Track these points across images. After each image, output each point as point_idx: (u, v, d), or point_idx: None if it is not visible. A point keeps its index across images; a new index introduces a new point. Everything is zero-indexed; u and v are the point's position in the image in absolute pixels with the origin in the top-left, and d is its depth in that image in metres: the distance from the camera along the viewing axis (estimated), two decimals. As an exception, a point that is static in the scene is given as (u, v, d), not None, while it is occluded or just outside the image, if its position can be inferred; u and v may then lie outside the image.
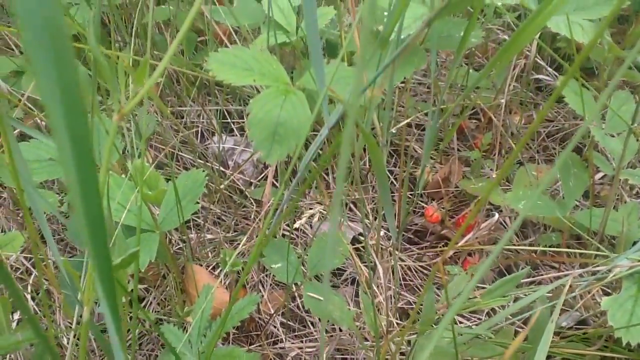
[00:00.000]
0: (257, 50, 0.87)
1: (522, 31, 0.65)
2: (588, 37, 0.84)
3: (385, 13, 0.93)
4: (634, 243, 0.95)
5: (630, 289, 0.68)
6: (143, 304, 1.09)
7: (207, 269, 1.10)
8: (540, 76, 1.23)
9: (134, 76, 0.39)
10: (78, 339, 0.85)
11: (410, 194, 1.14)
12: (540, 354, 0.65)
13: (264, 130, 0.79)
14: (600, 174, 1.08)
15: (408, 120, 0.97)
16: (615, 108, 0.87)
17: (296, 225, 0.85)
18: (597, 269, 0.70)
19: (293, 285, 1.00)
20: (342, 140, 0.50)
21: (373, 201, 1.15)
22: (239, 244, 1.18)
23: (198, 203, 0.85)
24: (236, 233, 1.19)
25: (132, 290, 0.70)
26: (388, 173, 1.21)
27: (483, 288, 1.00)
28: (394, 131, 0.97)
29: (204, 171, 0.88)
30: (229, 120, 1.33)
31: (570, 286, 0.71)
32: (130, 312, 1.05)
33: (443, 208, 1.02)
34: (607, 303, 0.67)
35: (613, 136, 0.92)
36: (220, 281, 1.05)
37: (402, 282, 1.03)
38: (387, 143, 1.02)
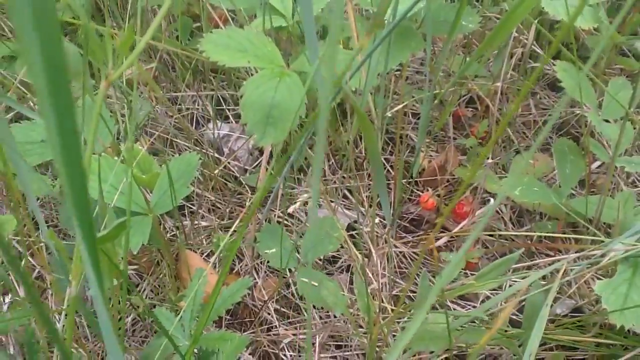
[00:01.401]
0: (252, 32, 0.86)
1: (517, 8, 0.64)
2: (585, 21, 0.83)
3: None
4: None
5: (624, 273, 0.67)
6: (137, 290, 1.09)
7: (201, 256, 1.09)
8: (538, 64, 1.22)
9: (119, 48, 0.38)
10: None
11: (406, 182, 1.14)
12: (535, 339, 0.64)
13: (258, 113, 0.78)
14: (596, 164, 1.08)
15: (403, 105, 0.97)
16: (613, 94, 0.87)
17: (290, 210, 0.84)
18: (592, 252, 0.69)
19: (287, 272, 0.99)
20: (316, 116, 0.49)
21: (368, 188, 1.15)
22: (234, 231, 1.17)
23: (191, 187, 0.84)
24: (231, 220, 1.18)
25: (124, 272, 0.69)
26: (384, 161, 1.20)
27: (478, 275, 1.00)
28: (389, 115, 0.96)
29: (197, 154, 0.87)
30: (224, 107, 1.32)
31: (565, 271, 0.71)
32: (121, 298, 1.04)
33: (439, 195, 1.01)
34: (601, 287, 0.66)
35: (608, 122, 0.91)
36: (214, 266, 1.05)
37: (397, 270, 1.03)
38: (383, 128, 1.01)
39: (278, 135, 0.78)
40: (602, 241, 0.75)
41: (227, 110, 1.32)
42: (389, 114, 0.94)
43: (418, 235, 1.13)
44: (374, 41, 0.77)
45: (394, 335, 0.83)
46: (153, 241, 0.98)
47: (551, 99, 1.26)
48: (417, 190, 1.18)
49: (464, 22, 1.03)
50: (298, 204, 0.84)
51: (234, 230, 1.01)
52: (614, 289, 0.65)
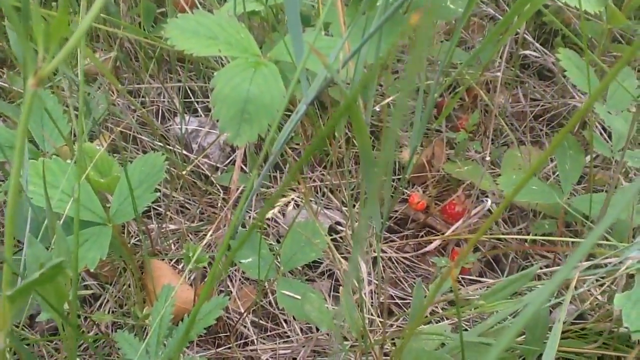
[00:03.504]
0: (223, 16, 0.76)
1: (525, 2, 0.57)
2: (590, 4, 0.76)
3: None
4: (633, 230, 0.88)
5: (643, 284, 0.61)
6: (99, 302, 0.99)
7: (170, 264, 1.00)
8: (527, 52, 1.15)
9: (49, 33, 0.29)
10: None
11: (392, 180, 1.06)
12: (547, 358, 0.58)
13: (231, 108, 0.68)
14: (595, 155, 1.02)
15: (389, 100, 0.88)
16: (617, 84, 0.80)
17: (268, 215, 0.76)
18: (607, 261, 0.62)
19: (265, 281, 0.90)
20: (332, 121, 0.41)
21: (351, 186, 1.06)
22: (205, 234, 1.08)
23: (157, 191, 0.74)
24: (202, 222, 1.09)
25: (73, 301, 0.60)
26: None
27: (472, 281, 0.93)
28: (377, 109, 0.88)
29: (163, 154, 0.78)
30: (193, 99, 1.22)
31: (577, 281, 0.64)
32: (83, 315, 0.94)
33: (430, 196, 0.94)
34: (621, 301, 0.59)
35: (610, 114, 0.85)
36: (185, 277, 0.95)
37: (384, 276, 0.95)
38: (368, 123, 0.93)
39: (254, 133, 0.69)
40: (608, 245, 0.69)
41: (195, 103, 1.22)
42: (377, 108, 0.86)
43: (404, 235, 1.05)
44: (363, 31, 0.69)
45: (385, 354, 0.75)
46: (114, 250, 0.88)
47: (541, 88, 1.20)
48: (402, 187, 1.10)
49: (452, 6, 0.96)
50: (277, 208, 0.75)
51: (207, 236, 0.92)
52: (634, 302, 0.58)
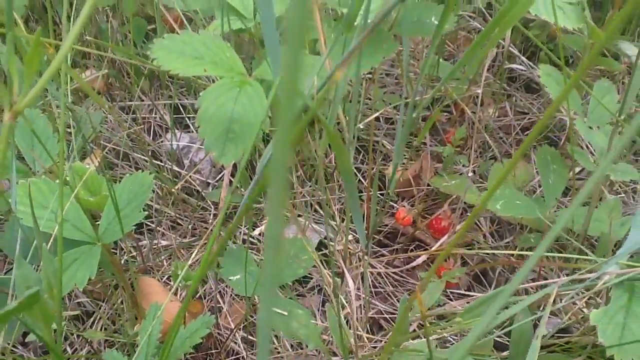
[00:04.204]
0: (209, 36, 0.77)
1: (505, 14, 0.58)
2: (569, 21, 0.77)
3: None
4: (616, 243, 0.89)
5: (620, 299, 0.62)
6: (92, 319, 0.99)
7: (161, 280, 1.01)
8: (514, 65, 1.17)
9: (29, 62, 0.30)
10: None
11: (380, 194, 1.07)
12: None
13: (217, 128, 0.70)
14: (577, 169, 1.03)
15: (376, 115, 0.90)
16: (598, 98, 0.81)
17: (256, 232, 0.77)
18: (585, 276, 0.63)
19: (255, 297, 0.91)
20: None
21: (340, 201, 1.07)
22: (196, 249, 1.09)
23: (147, 209, 0.75)
24: (194, 238, 1.10)
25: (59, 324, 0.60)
26: (355, 170, 1.13)
27: (460, 295, 0.94)
28: (361, 127, 0.89)
29: (151, 173, 0.79)
30: (184, 115, 1.23)
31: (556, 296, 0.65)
32: (75, 332, 0.95)
33: (416, 211, 0.95)
34: (597, 317, 0.60)
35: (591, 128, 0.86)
36: (175, 292, 0.96)
37: (372, 290, 0.96)
38: (354, 139, 0.94)
39: (239, 152, 0.70)
40: (591, 260, 0.70)
41: (187, 119, 1.23)
42: (360, 125, 0.87)
43: (394, 249, 1.06)
44: (343, 48, 0.70)
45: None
46: (105, 268, 0.89)
47: (527, 101, 1.21)
48: (391, 200, 1.11)
49: (436, 22, 0.97)
50: (264, 226, 0.76)
51: (196, 259, 0.92)
52: (610, 318, 0.59)
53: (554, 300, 0.66)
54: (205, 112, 0.70)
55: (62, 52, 0.31)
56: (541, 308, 0.87)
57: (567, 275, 0.88)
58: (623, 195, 1.05)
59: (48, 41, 0.65)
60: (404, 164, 1.14)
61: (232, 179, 1.09)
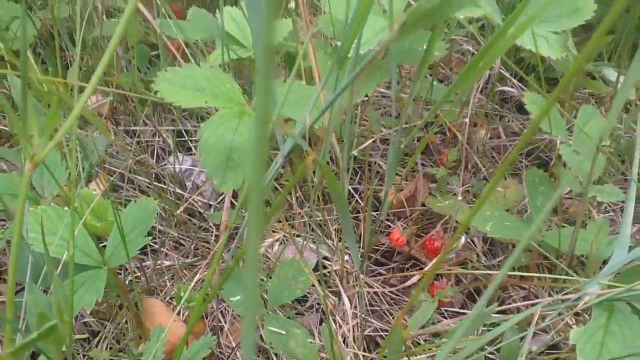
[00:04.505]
0: (209, 69, 0.81)
1: (489, 48, 0.62)
2: (553, 50, 0.81)
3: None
4: (604, 262, 0.93)
5: (599, 318, 0.65)
6: (97, 338, 1.03)
7: (165, 300, 1.04)
8: (505, 88, 1.20)
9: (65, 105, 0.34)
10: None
11: (377, 213, 1.10)
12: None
13: (217, 157, 0.73)
14: (567, 189, 1.06)
15: (370, 141, 0.93)
16: (582, 123, 0.85)
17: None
18: (567, 297, 0.67)
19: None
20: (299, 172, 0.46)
21: (337, 221, 1.11)
22: (199, 269, 1.12)
23: (149, 235, 0.79)
24: (196, 258, 1.13)
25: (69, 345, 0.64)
26: (352, 191, 1.16)
27: (454, 313, 0.97)
28: (355, 154, 0.92)
29: (154, 200, 0.82)
30: (186, 138, 1.27)
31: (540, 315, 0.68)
32: (82, 352, 0.98)
33: (410, 232, 0.98)
34: (576, 335, 0.63)
35: (577, 152, 0.89)
36: (179, 312, 0.99)
37: (369, 308, 0.99)
38: (350, 161, 0.97)
39: (238, 180, 0.74)
40: (576, 280, 0.73)
41: (189, 142, 1.27)
42: (354, 153, 0.91)
43: (390, 268, 1.09)
44: (336, 80, 0.74)
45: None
46: (111, 289, 0.92)
47: (519, 121, 1.25)
48: (387, 219, 1.14)
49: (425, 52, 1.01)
50: (263, 248, 0.79)
51: (199, 279, 0.96)
52: (589, 337, 0.62)
53: (541, 318, 0.70)
54: (206, 143, 0.73)
55: (72, 116, 0.35)
56: (533, 325, 0.90)
57: (558, 293, 0.91)
58: (612, 213, 1.08)
59: (59, 81, 0.69)
60: (399, 184, 1.17)
61: (233, 200, 1.13)
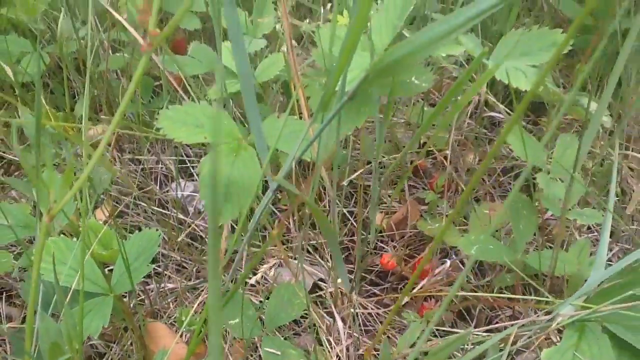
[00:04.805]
0: (208, 106, 0.87)
1: (450, 96, 0.67)
2: (532, 84, 0.86)
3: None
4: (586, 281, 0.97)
5: (571, 338, 0.69)
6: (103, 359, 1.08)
7: (168, 322, 1.09)
8: (493, 113, 1.26)
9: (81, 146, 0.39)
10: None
11: (370, 235, 1.15)
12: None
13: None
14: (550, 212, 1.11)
15: (360, 172, 0.98)
16: (561, 151, 0.90)
17: (252, 281, 0.85)
18: (541, 318, 0.71)
19: (255, 337, 0.99)
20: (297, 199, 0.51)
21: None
22: (201, 291, 1.17)
23: (152, 264, 0.84)
24: (198, 280, 1.18)
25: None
26: (348, 214, 1.21)
27: (445, 332, 1.01)
28: (345, 184, 0.98)
29: (157, 230, 0.88)
30: (188, 164, 1.33)
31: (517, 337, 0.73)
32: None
33: (401, 250, 1.03)
34: (548, 355, 0.68)
35: (559, 179, 0.94)
36: (181, 335, 1.04)
37: (363, 328, 1.03)
38: (343, 192, 1.03)
39: (235, 211, 0.79)
40: (552, 301, 0.78)
41: (191, 168, 1.33)
42: (345, 183, 0.96)
43: (384, 288, 1.14)
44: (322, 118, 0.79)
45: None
46: (116, 314, 0.97)
47: (507, 145, 1.30)
48: (381, 240, 1.19)
49: (416, 82, 1.06)
50: (260, 274, 0.84)
51: (202, 301, 1.01)
52: (561, 356, 0.67)
53: (523, 338, 0.74)
54: (205, 178, 0.79)
55: (83, 176, 0.41)
56: (517, 344, 0.94)
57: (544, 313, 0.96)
58: (596, 233, 1.13)
59: (70, 125, 0.75)
60: (393, 206, 1.22)
61: (234, 224, 1.18)
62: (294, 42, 1.18)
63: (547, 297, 0.79)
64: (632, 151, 1.14)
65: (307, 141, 0.73)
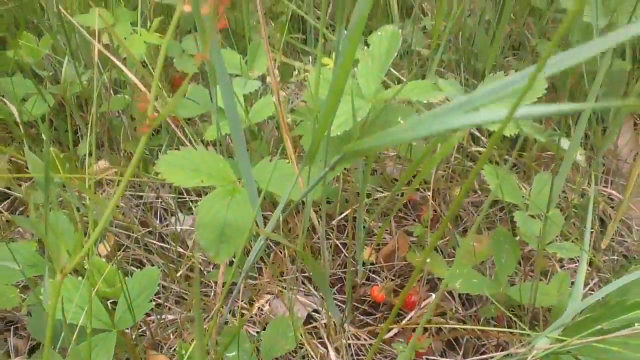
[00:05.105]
0: (204, 150, 0.92)
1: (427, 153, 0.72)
2: (508, 128, 0.91)
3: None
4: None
5: (546, 371, 0.74)
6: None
7: (168, 354, 1.13)
8: (480, 148, 1.31)
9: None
10: None
11: (364, 267, 1.20)
12: None
13: (212, 233, 0.84)
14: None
15: (350, 210, 1.04)
16: (537, 190, 0.95)
17: (247, 316, 0.90)
18: (517, 351, 0.76)
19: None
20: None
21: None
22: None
23: (152, 301, 0.89)
24: (197, 312, 1.22)
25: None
26: (341, 246, 1.26)
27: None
28: (334, 223, 1.03)
29: (158, 268, 0.93)
30: (187, 198, 1.38)
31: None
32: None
33: (390, 282, 1.08)
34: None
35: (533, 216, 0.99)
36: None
37: (356, 358, 1.08)
38: (336, 225, 1.08)
39: (231, 252, 0.84)
40: (527, 333, 0.82)
41: (189, 202, 1.38)
42: (334, 222, 1.01)
43: (376, 318, 1.19)
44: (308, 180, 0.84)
45: None
46: (119, 346, 1.02)
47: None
48: (375, 272, 1.24)
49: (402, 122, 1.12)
50: (255, 309, 0.89)
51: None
52: (538, 387, 0.71)
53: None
54: (202, 220, 0.84)
55: (93, 236, 0.46)
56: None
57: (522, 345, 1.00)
58: (577, 263, 1.17)
59: (77, 177, 0.80)
60: (384, 238, 1.27)
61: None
62: (286, 85, 1.24)
63: (524, 330, 0.84)
64: (610, 184, 1.19)
65: (298, 187, 0.78)
